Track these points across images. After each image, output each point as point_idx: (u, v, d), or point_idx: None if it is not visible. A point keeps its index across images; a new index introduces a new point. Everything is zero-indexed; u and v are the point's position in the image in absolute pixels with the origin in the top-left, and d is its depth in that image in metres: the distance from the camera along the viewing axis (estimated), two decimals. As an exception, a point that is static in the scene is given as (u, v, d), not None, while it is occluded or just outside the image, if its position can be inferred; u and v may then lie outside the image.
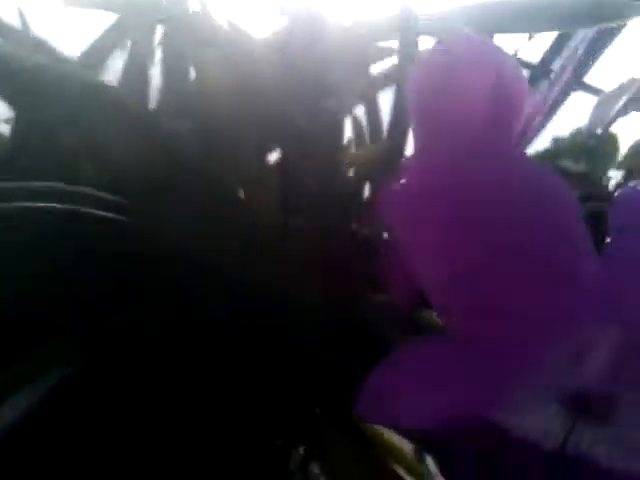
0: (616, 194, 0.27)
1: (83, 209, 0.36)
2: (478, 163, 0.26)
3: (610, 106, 0.65)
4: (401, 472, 0.41)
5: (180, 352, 0.38)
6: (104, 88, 0.38)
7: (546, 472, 0.22)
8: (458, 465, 0.23)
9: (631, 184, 0.26)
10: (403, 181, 0.27)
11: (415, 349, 0.25)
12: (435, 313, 0.32)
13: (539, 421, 0.23)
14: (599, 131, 0.57)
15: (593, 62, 1.14)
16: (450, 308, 0.26)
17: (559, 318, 0.25)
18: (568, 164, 0.73)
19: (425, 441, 0.29)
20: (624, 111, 0.58)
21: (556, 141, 0.68)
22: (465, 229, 0.26)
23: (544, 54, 1.22)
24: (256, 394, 0.39)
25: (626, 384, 0.24)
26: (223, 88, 0.39)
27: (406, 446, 0.45)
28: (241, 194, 0.38)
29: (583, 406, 0.23)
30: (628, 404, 0.23)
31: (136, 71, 0.47)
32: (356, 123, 0.54)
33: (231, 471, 0.40)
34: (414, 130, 0.34)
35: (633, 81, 0.62)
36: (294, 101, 0.36)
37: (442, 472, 0.26)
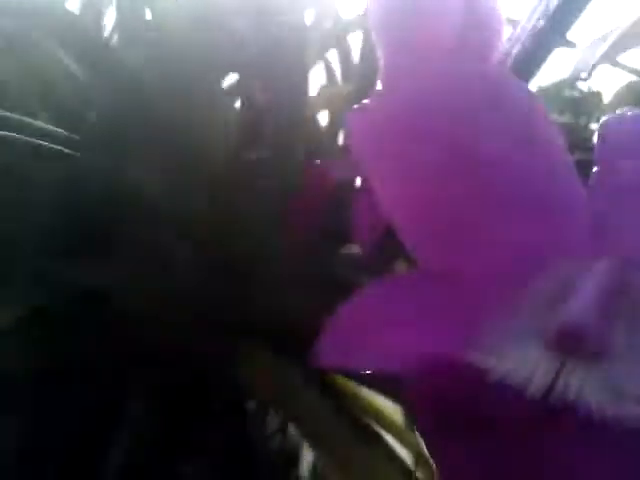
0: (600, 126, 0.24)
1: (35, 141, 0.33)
2: (448, 80, 0.23)
3: (592, 56, 0.62)
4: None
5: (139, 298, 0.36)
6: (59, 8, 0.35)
7: (527, 424, 0.19)
8: (425, 419, 0.20)
9: (614, 115, 0.23)
10: (368, 107, 0.24)
11: (380, 289, 0.23)
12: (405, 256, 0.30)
13: (521, 363, 0.20)
14: (582, 79, 0.54)
15: (575, 19, 1.12)
16: (421, 243, 0.23)
17: (541, 251, 0.22)
18: (552, 115, 0.71)
19: (393, 391, 0.27)
20: (605, 60, 0.56)
21: (540, 92, 0.65)
22: (436, 153, 0.23)
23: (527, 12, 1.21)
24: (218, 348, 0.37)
25: (617, 321, 0.21)
26: (177, 16, 0.35)
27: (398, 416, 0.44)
28: (195, 130, 0.35)
29: (572, 345, 0.20)
30: (620, 342, 0.21)
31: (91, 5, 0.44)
32: (327, 66, 0.52)
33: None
34: (380, 58, 0.32)
35: (612, 31, 0.59)
36: (253, 24, 0.33)
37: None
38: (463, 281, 0.22)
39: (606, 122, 0.24)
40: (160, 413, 0.41)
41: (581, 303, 0.20)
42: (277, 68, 0.33)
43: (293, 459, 0.48)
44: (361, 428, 0.38)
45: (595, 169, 0.23)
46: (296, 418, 0.40)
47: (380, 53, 0.32)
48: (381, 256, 0.31)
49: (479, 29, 0.31)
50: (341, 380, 0.40)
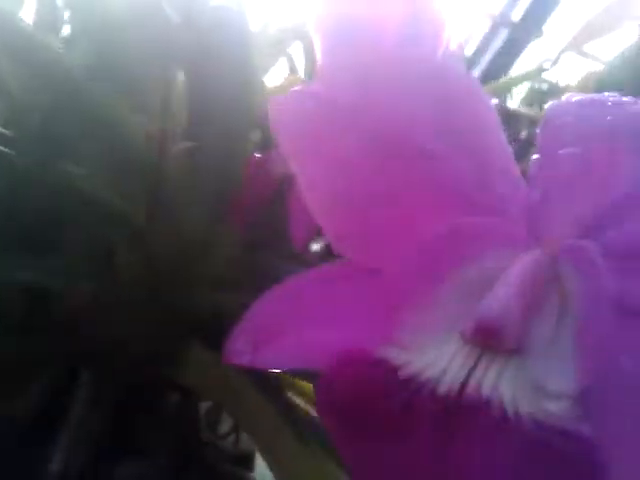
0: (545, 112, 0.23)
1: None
2: (380, 69, 0.22)
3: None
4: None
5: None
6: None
7: (439, 421, 0.18)
8: (334, 417, 0.19)
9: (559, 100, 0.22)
10: (293, 95, 0.23)
11: (296, 284, 0.22)
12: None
13: (437, 358, 0.19)
14: (546, 69, 0.53)
15: (550, 12, 1.13)
16: (342, 237, 0.22)
17: (465, 240, 0.21)
18: (521, 108, 0.71)
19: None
20: (572, 48, 0.55)
21: (507, 83, 0.64)
22: (361, 143, 0.22)
23: (503, 7, 1.22)
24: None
25: (543, 315, 0.20)
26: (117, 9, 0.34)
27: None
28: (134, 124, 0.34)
29: (488, 339, 0.19)
30: (544, 337, 0.20)
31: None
32: (289, 58, 0.52)
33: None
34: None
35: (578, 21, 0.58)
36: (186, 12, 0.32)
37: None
38: (383, 277, 0.21)
39: (550, 108, 0.23)
40: (104, 415, 0.40)
41: (500, 297, 0.19)
42: (216, 58, 0.32)
43: (247, 461, 0.48)
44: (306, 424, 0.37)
45: (536, 158, 0.22)
46: (240, 417, 0.39)
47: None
48: (319, 253, 0.30)
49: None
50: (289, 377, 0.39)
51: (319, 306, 0.21)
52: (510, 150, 0.22)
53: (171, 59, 0.33)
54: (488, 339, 0.19)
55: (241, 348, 0.21)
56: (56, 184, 0.34)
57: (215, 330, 0.36)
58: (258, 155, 0.35)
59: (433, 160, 0.21)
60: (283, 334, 0.21)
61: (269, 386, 0.34)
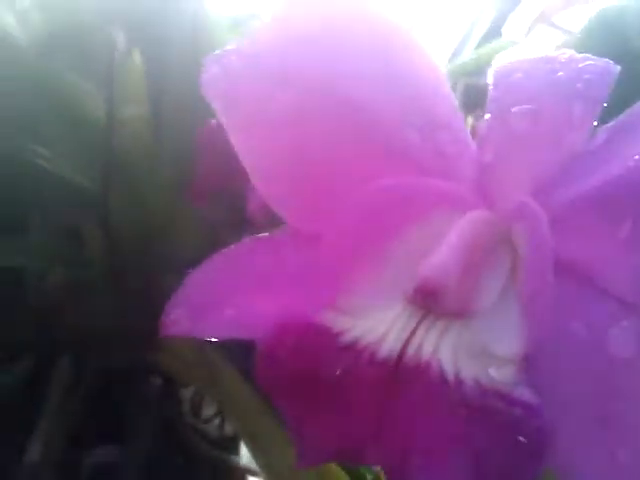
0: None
1: None
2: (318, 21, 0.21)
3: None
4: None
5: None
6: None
7: (379, 387, 0.18)
8: (273, 383, 0.18)
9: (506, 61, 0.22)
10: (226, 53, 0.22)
11: (235, 253, 0.21)
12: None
13: (378, 322, 0.18)
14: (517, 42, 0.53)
15: None
16: (281, 200, 0.21)
17: (407, 201, 0.20)
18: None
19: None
20: (542, 21, 0.54)
21: (476, 59, 0.63)
22: (300, 95, 0.20)
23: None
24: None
25: (490, 278, 0.20)
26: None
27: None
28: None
29: (429, 301, 0.18)
30: (490, 300, 0.19)
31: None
32: None
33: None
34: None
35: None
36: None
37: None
38: (323, 242, 0.20)
39: (498, 66, 0.22)
40: (82, 401, 0.40)
41: (440, 256, 0.19)
42: (169, 25, 0.31)
43: (231, 444, 0.47)
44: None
45: (486, 119, 0.21)
46: (222, 400, 0.38)
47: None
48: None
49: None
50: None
51: (258, 274, 0.21)
52: (458, 109, 0.22)
53: (120, 26, 0.32)
54: (428, 299, 0.18)
55: (178, 318, 0.20)
56: (16, 162, 0.34)
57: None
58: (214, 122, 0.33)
59: (364, 112, 0.20)
60: (222, 303, 0.20)
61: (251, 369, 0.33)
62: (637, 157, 0.19)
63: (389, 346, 0.18)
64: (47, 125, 0.34)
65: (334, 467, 0.32)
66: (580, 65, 0.21)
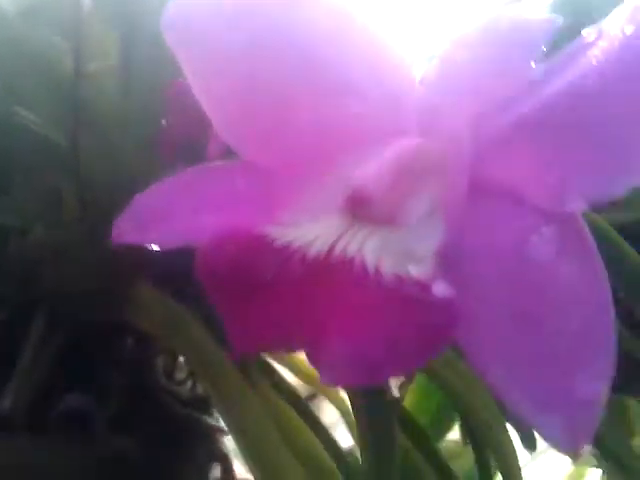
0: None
1: None
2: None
3: None
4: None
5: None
6: None
7: (308, 281, 0.19)
8: (215, 285, 0.20)
9: None
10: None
11: (187, 176, 0.22)
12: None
13: (311, 229, 0.20)
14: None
15: None
16: (233, 134, 0.23)
17: (348, 132, 0.22)
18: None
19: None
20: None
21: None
22: (253, 33, 0.22)
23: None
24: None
25: (416, 197, 0.21)
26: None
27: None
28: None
29: (358, 208, 0.20)
30: (417, 213, 0.21)
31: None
32: None
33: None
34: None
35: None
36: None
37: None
38: (273, 173, 0.22)
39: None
40: (55, 353, 0.41)
41: (373, 169, 0.20)
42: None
43: (203, 405, 0.48)
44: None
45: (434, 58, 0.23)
46: (185, 351, 0.39)
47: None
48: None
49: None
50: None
51: (208, 195, 0.22)
52: (407, 52, 0.23)
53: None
54: (358, 206, 0.20)
55: (129, 227, 0.22)
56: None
57: (161, 270, 0.37)
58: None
59: (315, 52, 0.22)
60: (171, 216, 0.22)
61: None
62: (563, 83, 0.20)
63: (318, 246, 0.19)
64: (27, 85, 0.35)
65: (332, 466, 0.34)
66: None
